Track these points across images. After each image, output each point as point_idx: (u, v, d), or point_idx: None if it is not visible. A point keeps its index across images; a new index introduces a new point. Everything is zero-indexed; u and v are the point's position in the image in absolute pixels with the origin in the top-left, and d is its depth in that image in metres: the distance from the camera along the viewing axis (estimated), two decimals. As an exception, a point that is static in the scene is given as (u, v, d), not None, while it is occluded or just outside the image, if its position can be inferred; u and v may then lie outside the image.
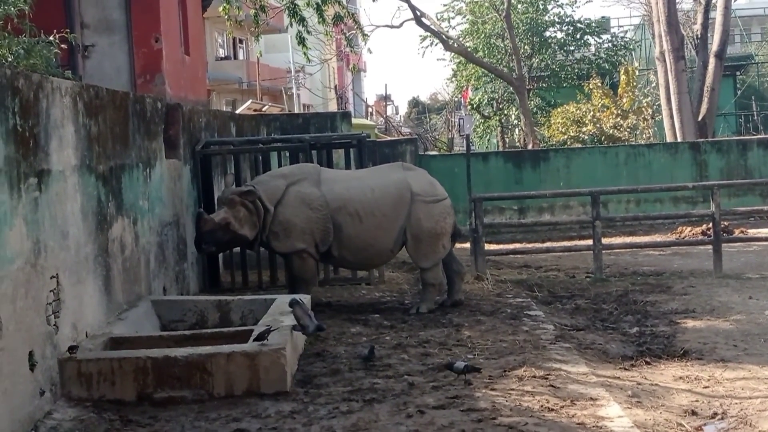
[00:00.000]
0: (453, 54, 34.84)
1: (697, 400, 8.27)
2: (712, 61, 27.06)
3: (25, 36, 9.20)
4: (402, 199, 11.83)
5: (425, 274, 12.04)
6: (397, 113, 77.04)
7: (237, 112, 28.15)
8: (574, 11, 37.31)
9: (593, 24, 37.73)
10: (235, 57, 48.02)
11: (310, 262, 11.92)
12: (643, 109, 29.68)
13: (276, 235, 11.80)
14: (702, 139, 24.70)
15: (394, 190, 11.86)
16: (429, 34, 32.51)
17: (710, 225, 15.65)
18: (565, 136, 29.53)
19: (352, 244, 11.80)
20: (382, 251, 11.96)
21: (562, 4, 37.26)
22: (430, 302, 11.97)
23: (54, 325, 7.80)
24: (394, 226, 11.80)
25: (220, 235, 11.62)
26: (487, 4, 35.37)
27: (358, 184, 11.95)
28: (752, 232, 18.88)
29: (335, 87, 58.85)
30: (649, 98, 31.21)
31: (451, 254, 12.24)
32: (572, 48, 37.52)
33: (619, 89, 30.02)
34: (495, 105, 38.39)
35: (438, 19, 34.91)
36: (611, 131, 28.69)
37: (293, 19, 19.45)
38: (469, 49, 34.32)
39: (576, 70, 36.43)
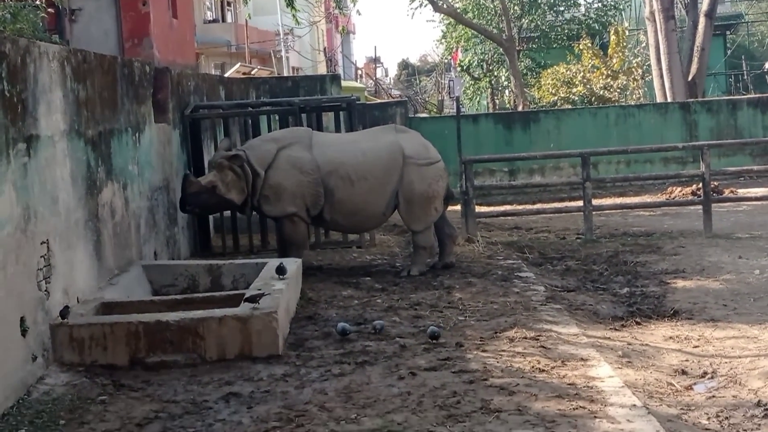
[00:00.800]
0: (442, 15, 34.65)
1: (687, 360, 8.33)
2: (702, 20, 26.97)
3: (11, 0, 9.12)
4: (394, 163, 11.80)
5: (416, 237, 12.05)
6: (386, 75, 76.76)
7: (226, 75, 28.01)
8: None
9: (583, -16, 37.54)
10: (224, 20, 47.65)
11: (301, 226, 11.93)
12: (633, 69, 29.61)
13: (267, 199, 11.80)
14: (692, 99, 24.68)
15: (385, 153, 11.83)
16: (419, -6, 32.32)
17: (700, 185, 15.69)
18: (556, 98, 29.47)
19: (344, 208, 11.79)
20: (375, 215, 11.95)
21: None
22: (421, 265, 11.99)
23: (45, 290, 7.80)
24: (386, 190, 11.79)
25: (205, 197, 11.64)
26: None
27: (350, 147, 11.92)
28: (742, 192, 18.93)
29: (324, 49, 58.53)
30: (639, 58, 31.12)
31: (443, 217, 12.24)
32: (562, 8, 37.34)
33: (609, 50, 29.92)
34: (485, 66, 38.26)
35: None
36: (601, 92, 28.64)
37: (282, -19, 19.30)
38: (458, 10, 34.14)
39: (566, 31, 36.28)
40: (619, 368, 7.80)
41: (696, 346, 8.76)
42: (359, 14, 28.29)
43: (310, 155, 11.77)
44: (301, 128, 12.86)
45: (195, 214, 12.51)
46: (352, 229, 12.74)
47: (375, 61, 71.27)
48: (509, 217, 16.87)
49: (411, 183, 11.77)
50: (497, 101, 39.50)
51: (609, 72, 28.99)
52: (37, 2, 9.51)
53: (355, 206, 11.79)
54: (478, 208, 15.50)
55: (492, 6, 35.30)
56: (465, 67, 38.17)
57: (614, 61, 29.29)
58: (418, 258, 12.05)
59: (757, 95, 26.99)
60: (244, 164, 11.66)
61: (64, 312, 7.98)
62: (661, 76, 26.98)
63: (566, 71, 29.79)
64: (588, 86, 28.89)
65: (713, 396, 7.36)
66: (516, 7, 35.69)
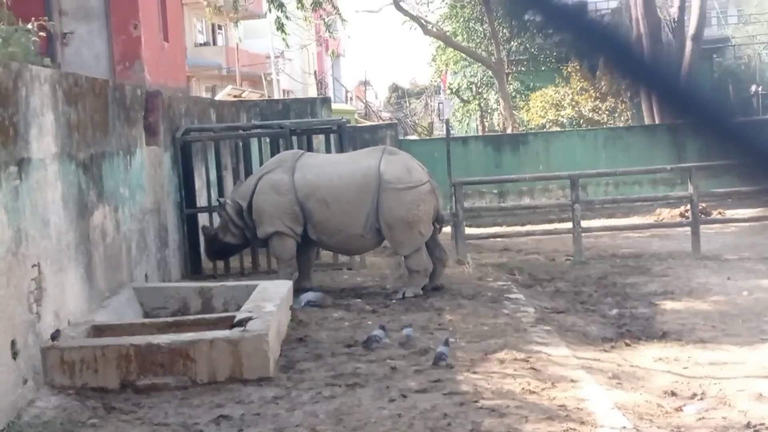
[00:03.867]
0: (432, 38, 34.81)
1: (676, 381, 8.35)
2: (688, 44, 27.16)
3: (3, 24, 9.15)
4: (367, 186, 11.82)
5: (407, 261, 12.09)
6: (377, 98, 76.87)
7: (217, 98, 28.06)
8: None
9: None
10: (215, 43, 47.76)
11: (288, 242, 12.09)
12: (622, 91, 29.77)
13: (255, 224, 12.18)
14: (680, 121, 24.76)
15: (360, 176, 11.89)
16: (408, 18, 32.49)
17: (688, 207, 15.79)
18: (544, 120, 29.61)
19: (324, 229, 11.96)
20: (353, 236, 11.98)
21: (541, -13, 37.18)
22: (415, 287, 11.99)
23: (36, 313, 7.79)
24: (360, 212, 11.82)
25: (216, 245, 12.62)
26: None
27: (329, 170, 12.07)
28: (730, 213, 19.03)
29: (315, 72, 58.68)
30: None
31: (434, 240, 12.25)
32: (551, 31, 37.47)
33: (598, 72, 30.08)
34: (474, 89, 38.39)
35: (417, 3, 34.90)
36: (590, 114, 28.79)
37: (272, 5, 19.41)
38: (448, 33, 34.31)
39: (554, 54, 36.46)
40: (609, 390, 7.82)
41: (685, 368, 8.79)
42: (349, 38, 28.38)
43: (288, 177, 12.02)
44: (290, 152, 12.96)
45: (220, 259, 13.20)
46: (339, 249, 12.79)
47: (365, 83, 71.40)
48: (499, 239, 16.92)
49: (390, 208, 11.77)
50: (486, 123, 39.61)
51: (597, 94, 29.15)
52: (29, 26, 9.53)
53: (334, 227, 11.93)
54: (468, 230, 15.55)
55: (481, 29, 35.48)
56: (454, 90, 38.31)
57: (603, 83, 29.44)
58: (413, 280, 12.07)
59: (746, 118, 27.12)
60: (222, 211, 12.43)
61: (55, 335, 7.98)
62: (650, 99, 27.12)
63: (555, 94, 29.95)
64: (577, 108, 29.04)
65: (703, 417, 7.38)
66: (505, 30, 35.87)
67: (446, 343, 8.84)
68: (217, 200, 12.98)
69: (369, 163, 12.03)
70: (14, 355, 7.26)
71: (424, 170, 12.21)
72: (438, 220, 12.21)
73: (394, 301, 11.67)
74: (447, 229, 15.56)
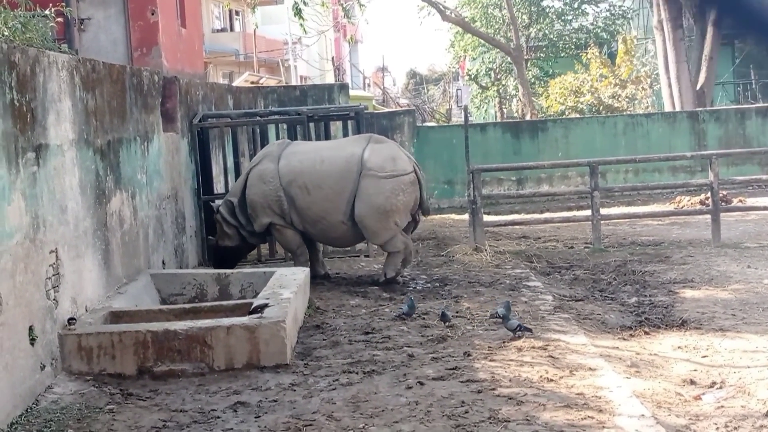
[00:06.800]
0: (450, 24, 34.68)
1: (695, 370, 8.30)
2: (710, 29, 26.94)
3: (21, 10, 9.14)
4: (348, 173, 11.74)
5: (385, 246, 11.98)
6: (394, 84, 76.79)
7: (234, 84, 28.07)
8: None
9: (591, -8, 37.52)
10: (232, 29, 47.78)
11: (287, 233, 12.11)
12: (641, 78, 29.57)
13: (251, 219, 12.19)
14: (700, 108, 24.63)
15: (342, 162, 11.82)
16: (426, 3, 32.35)
17: (708, 194, 15.66)
18: (563, 107, 29.45)
19: (306, 216, 11.91)
20: (335, 223, 11.88)
21: (560, -27, 37.07)
22: (393, 266, 11.95)
23: (54, 299, 7.81)
24: (340, 198, 11.74)
25: (217, 253, 12.54)
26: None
27: (312, 156, 12.02)
28: (750, 201, 18.88)
29: (332, 59, 58.63)
30: (647, 67, 31.08)
31: (407, 233, 12.13)
32: (570, 17, 37.32)
33: (617, 58, 29.89)
34: (493, 75, 38.25)
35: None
36: (609, 101, 28.61)
37: (289, -9, 19.33)
38: (466, 19, 34.16)
39: (574, 40, 36.26)
40: (628, 378, 7.78)
41: (704, 356, 8.73)
42: (367, 23, 28.28)
43: (274, 166, 12.04)
44: (277, 142, 13.03)
45: (226, 267, 12.52)
46: (324, 239, 12.48)
47: (383, 70, 71.32)
48: (517, 227, 16.84)
49: (369, 195, 11.65)
50: (505, 110, 39.47)
51: (617, 81, 28.97)
52: (47, 12, 9.51)
53: (315, 214, 11.87)
54: (486, 217, 15.48)
55: (500, 15, 35.32)
56: (473, 76, 38.19)
57: (622, 70, 29.26)
58: (390, 260, 11.99)
59: (766, 104, 26.93)
60: (216, 215, 12.44)
61: (72, 320, 8.02)
62: (670, 85, 26.97)
63: (574, 80, 29.78)
64: (596, 95, 28.86)
65: (722, 406, 7.33)
66: (524, 16, 35.71)
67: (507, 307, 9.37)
68: (214, 208, 12.88)
69: (353, 150, 11.94)
70: (32, 341, 7.28)
71: (410, 160, 12.04)
72: (423, 211, 12.14)
73: (381, 281, 11.79)
74: (465, 216, 15.51)
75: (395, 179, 11.70)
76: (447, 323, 9.45)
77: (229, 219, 12.22)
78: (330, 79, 53.84)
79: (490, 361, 8.15)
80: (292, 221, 11.97)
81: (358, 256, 13.92)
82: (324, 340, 9.12)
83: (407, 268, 12.79)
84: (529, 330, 8.98)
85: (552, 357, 8.22)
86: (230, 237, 12.30)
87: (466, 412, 6.75)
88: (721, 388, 7.80)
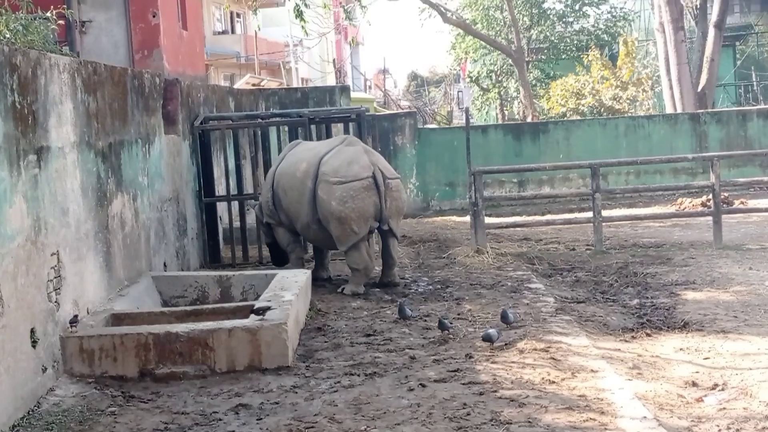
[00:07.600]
0: (451, 26, 34.70)
1: (697, 372, 8.29)
2: (711, 31, 26.93)
3: (22, 12, 9.14)
4: (306, 176, 11.71)
5: (346, 257, 11.78)
6: (395, 86, 76.79)
7: (235, 86, 28.08)
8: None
9: (592, -5, 37.55)
10: (233, 31, 47.75)
11: (278, 231, 12.45)
12: (643, 80, 29.57)
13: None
14: (702, 110, 24.61)
15: (304, 165, 11.83)
16: (427, 5, 32.37)
17: (710, 196, 15.64)
18: (565, 108, 29.44)
19: (288, 216, 12.14)
20: (305, 225, 11.86)
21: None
22: (355, 285, 11.62)
23: (55, 301, 7.81)
24: (303, 201, 11.73)
25: (271, 250, 12.97)
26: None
27: (296, 158, 12.12)
28: (752, 203, 18.86)
29: (334, 61, 58.63)
30: (649, 69, 31.10)
31: (386, 242, 11.85)
32: (571, 19, 37.36)
33: (619, 60, 29.89)
34: (494, 77, 38.28)
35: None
36: (610, 103, 28.61)
37: (291, -7, 19.33)
38: (467, 21, 34.19)
39: (575, 42, 36.29)
40: (630, 380, 7.77)
41: (706, 358, 8.72)
42: (369, 25, 28.23)
43: (275, 167, 12.46)
44: (294, 142, 13.02)
45: (279, 263, 12.86)
46: (311, 240, 12.38)
47: (384, 72, 71.32)
48: (519, 228, 16.83)
49: (323, 200, 11.48)
50: (506, 112, 39.50)
51: (618, 83, 28.97)
52: (48, 14, 9.52)
53: (292, 215, 12.06)
54: (488, 219, 15.47)
55: (501, 17, 35.35)
56: (474, 78, 38.23)
57: (623, 72, 29.26)
58: (353, 278, 11.74)
59: (767, 106, 26.92)
60: (258, 214, 12.97)
61: (74, 320, 8.02)
62: (671, 87, 26.95)
63: (575, 82, 29.78)
64: (597, 97, 28.86)
65: (724, 408, 7.32)
66: (525, 18, 35.74)
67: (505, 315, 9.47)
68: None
69: (318, 152, 11.91)
70: (34, 343, 7.28)
71: (370, 166, 11.50)
72: (380, 221, 11.55)
73: (340, 293, 11.56)
74: (466, 218, 15.50)
75: (345, 185, 11.36)
76: (444, 331, 9.21)
77: (261, 217, 12.71)
78: (331, 81, 53.85)
79: (492, 363, 8.15)
80: (281, 220, 12.31)
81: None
82: (326, 342, 9.12)
83: (409, 270, 12.79)
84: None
85: (554, 359, 8.22)
86: (266, 234, 12.76)
87: (468, 414, 6.75)
88: (723, 390, 7.79)
